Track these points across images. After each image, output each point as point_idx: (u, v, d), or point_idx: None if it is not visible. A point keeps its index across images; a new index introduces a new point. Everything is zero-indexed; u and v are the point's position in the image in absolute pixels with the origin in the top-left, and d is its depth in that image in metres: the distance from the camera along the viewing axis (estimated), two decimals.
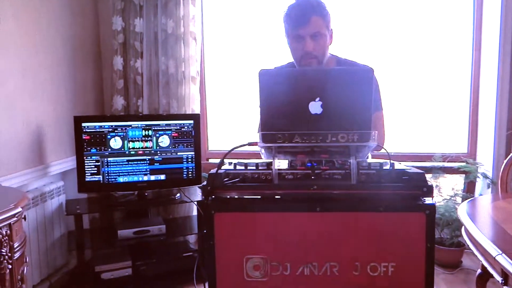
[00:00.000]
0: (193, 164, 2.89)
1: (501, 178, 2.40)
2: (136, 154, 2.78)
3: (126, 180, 2.78)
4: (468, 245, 1.89)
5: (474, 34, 3.21)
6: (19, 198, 1.62)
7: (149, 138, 2.79)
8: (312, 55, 1.70)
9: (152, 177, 2.82)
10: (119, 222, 3.05)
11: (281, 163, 1.36)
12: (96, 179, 2.72)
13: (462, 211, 1.91)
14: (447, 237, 3.04)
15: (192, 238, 3.29)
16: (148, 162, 2.80)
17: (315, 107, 1.23)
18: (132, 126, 2.76)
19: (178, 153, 2.86)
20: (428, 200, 1.21)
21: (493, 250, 1.44)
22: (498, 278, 1.52)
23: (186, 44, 3.13)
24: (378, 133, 1.27)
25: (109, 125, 2.71)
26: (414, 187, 1.21)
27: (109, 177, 2.74)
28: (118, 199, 2.87)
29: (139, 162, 2.79)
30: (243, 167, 1.31)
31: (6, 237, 1.48)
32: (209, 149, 3.56)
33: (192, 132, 2.87)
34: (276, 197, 1.26)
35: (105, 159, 2.72)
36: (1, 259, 1.46)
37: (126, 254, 2.81)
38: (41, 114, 2.59)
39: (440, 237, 3.06)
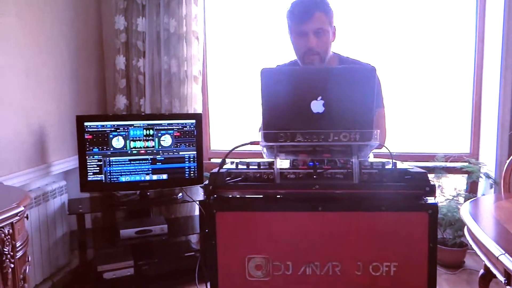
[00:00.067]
0: (195, 164, 2.89)
1: (503, 178, 2.39)
2: (138, 154, 2.78)
3: (128, 180, 2.78)
4: (470, 245, 1.88)
5: (476, 34, 3.20)
6: (21, 197, 1.62)
7: (151, 137, 2.79)
8: (315, 51, 1.70)
9: (154, 177, 2.83)
10: (121, 221, 3.05)
11: (283, 163, 1.36)
12: (98, 178, 2.72)
13: (465, 211, 1.90)
14: (449, 237, 3.04)
15: (194, 238, 3.29)
16: (150, 161, 2.81)
17: (317, 106, 1.23)
18: (134, 125, 2.76)
19: (180, 153, 2.86)
20: (430, 200, 1.20)
21: (496, 250, 1.43)
22: (501, 278, 1.52)
23: (188, 44, 3.13)
24: (380, 130, 1.27)
25: (111, 125, 2.72)
26: (417, 186, 1.21)
27: (111, 176, 2.74)
28: (120, 199, 2.88)
29: (141, 162, 2.79)
30: (245, 167, 1.31)
31: (9, 236, 1.48)
32: (211, 148, 3.56)
33: (194, 132, 2.87)
34: (278, 196, 1.25)
35: (107, 158, 2.72)
36: (4, 258, 1.46)
37: (128, 253, 2.81)
38: (43, 113, 2.60)
39: (442, 237, 3.06)
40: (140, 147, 2.78)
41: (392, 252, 1.21)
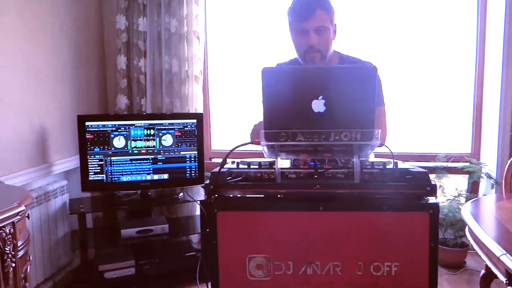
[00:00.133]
0: (196, 164, 2.89)
1: (505, 178, 2.39)
2: (139, 153, 2.79)
3: (129, 179, 2.78)
4: (472, 246, 1.88)
5: (478, 34, 3.20)
6: (22, 197, 1.62)
7: (152, 137, 2.80)
8: (316, 48, 1.70)
9: (155, 177, 2.83)
10: (122, 221, 3.06)
11: (284, 162, 1.36)
12: (100, 178, 2.72)
13: (466, 211, 1.90)
14: (450, 238, 3.03)
15: (195, 238, 3.29)
16: (151, 161, 2.81)
17: (318, 105, 1.23)
18: (135, 125, 2.76)
19: (181, 153, 2.86)
20: (431, 200, 1.20)
21: (497, 250, 1.43)
22: (502, 278, 1.52)
23: (189, 43, 3.14)
24: (380, 128, 1.26)
25: (112, 124, 2.72)
26: (418, 186, 1.21)
27: (113, 176, 2.75)
28: (121, 198, 2.88)
29: (142, 161, 2.79)
30: (246, 166, 1.31)
31: (10, 236, 1.48)
32: (212, 148, 3.56)
33: (195, 132, 2.87)
34: (279, 196, 1.25)
35: (109, 158, 2.73)
36: (5, 258, 1.46)
37: (129, 253, 2.81)
38: (45, 113, 2.60)
39: (443, 238, 3.05)
40: (141, 147, 2.78)
41: (393, 252, 1.21)
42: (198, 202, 2.92)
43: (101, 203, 2.92)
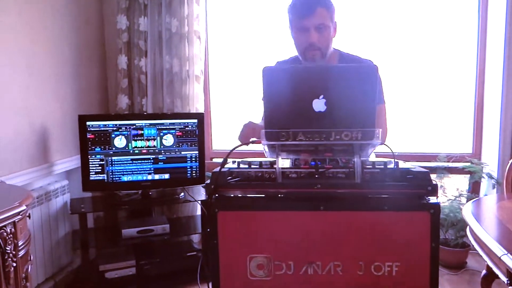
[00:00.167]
0: (197, 163, 2.89)
1: (506, 178, 2.39)
2: (140, 153, 2.79)
3: (130, 179, 2.78)
4: (473, 246, 1.88)
5: (479, 33, 3.19)
6: (23, 196, 1.62)
7: (153, 137, 2.80)
8: (316, 46, 1.70)
9: (156, 176, 2.83)
10: (123, 221, 3.06)
11: (284, 162, 1.36)
12: (101, 178, 2.72)
13: (467, 211, 1.90)
14: (451, 238, 3.03)
15: (196, 238, 3.29)
16: (152, 161, 2.81)
17: (318, 104, 1.23)
18: (136, 125, 2.76)
19: (182, 152, 2.86)
20: (432, 199, 1.20)
21: (498, 250, 1.43)
22: (504, 278, 1.52)
23: (190, 43, 3.14)
24: (381, 127, 1.26)
25: (113, 124, 2.72)
26: (419, 186, 1.21)
27: (114, 176, 2.75)
28: (122, 198, 2.88)
29: (143, 161, 2.80)
30: (246, 166, 1.31)
31: (11, 235, 1.48)
32: (213, 148, 3.56)
33: (196, 131, 2.87)
34: (280, 196, 1.25)
35: (110, 158, 2.73)
36: (6, 257, 1.46)
37: (130, 253, 2.81)
38: (46, 112, 2.60)
39: (444, 238, 3.05)
40: (142, 147, 2.78)
41: (394, 252, 1.21)
42: (199, 202, 2.92)
43: (102, 203, 2.92)
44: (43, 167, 2.54)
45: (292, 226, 1.23)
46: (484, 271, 2.08)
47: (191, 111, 3.16)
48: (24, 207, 1.55)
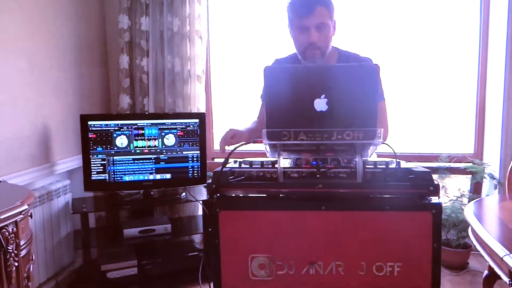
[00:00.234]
0: (199, 163, 2.89)
1: (508, 178, 2.38)
2: (142, 153, 2.79)
3: (132, 179, 2.78)
4: (474, 246, 1.87)
5: (481, 33, 3.19)
6: (25, 196, 1.62)
7: (155, 137, 2.80)
8: (316, 46, 1.69)
9: (158, 176, 2.83)
10: (125, 221, 3.06)
11: (286, 162, 1.36)
12: (102, 177, 2.73)
13: (469, 212, 1.90)
14: (453, 238, 3.02)
15: (197, 238, 3.29)
16: (153, 161, 2.81)
17: (320, 104, 1.22)
18: (138, 124, 2.76)
19: (184, 152, 2.86)
20: (434, 199, 1.20)
21: (500, 250, 1.43)
22: (506, 279, 1.51)
23: (191, 43, 3.14)
24: (382, 124, 1.26)
25: (115, 124, 2.72)
26: (421, 186, 1.20)
27: (115, 175, 2.75)
28: (124, 198, 2.88)
29: (144, 161, 2.80)
30: (248, 166, 1.31)
31: (13, 235, 1.49)
32: (215, 148, 3.56)
33: (197, 131, 2.87)
34: (281, 195, 1.25)
35: (111, 157, 2.73)
36: (8, 257, 1.46)
37: (131, 253, 2.81)
38: (47, 112, 2.60)
39: (446, 238, 3.04)
40: (144, 147, 2.79)
41: (395, 252, 1.21)
42: (201, 202, 2.92)
43: (103, 203, 2.93)
44: (45, 166, 2.55)
45: (293, 226, 1.23)
46: (486, 272, 2.07)
47: (193, 111, 3.16)
48: (26, 207, 1.55)
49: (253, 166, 1.30)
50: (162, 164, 2.83)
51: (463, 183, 3.22)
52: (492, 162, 3.12)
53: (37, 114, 2.50)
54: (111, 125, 2.71)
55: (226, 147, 1.72)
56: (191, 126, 2.86)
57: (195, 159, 2.88)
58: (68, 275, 2.78)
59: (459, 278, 2.87)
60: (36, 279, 2.39)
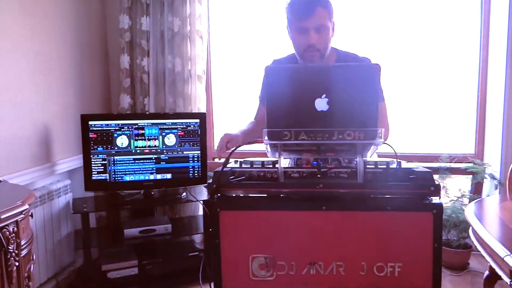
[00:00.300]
0: (199, 163, 2.89)
1: (509, 179, 2.38)
2: (143, 153, 2.79)
3: (133, 179, 2.78)
4: (475, 247, 1.87)
5: (481, 33, 3.18)
6: (26, 196, 1.62)
7: (156, 137, 2.80)
8: (315, 48, 1.69)
9: (159, 176, 2.83)
10: (125, 221, 3.06)
11: (287, 162, 1.36)
12: (103, 177, 2.73)
13: (470, 212, 1.90)
14: (454, 239, 3.02)
15: (198, 238, 3.29)
16: (154, 161, 2.81)
17: (321, 104, 1.22)
18: (139, 124, 2.76)
19: (184, 152, 2.86)
20: (435, 200, 1.20)
21: (501, 251, 1.42)
22: (507, 279, 1.51)
23: (192, 43, 3.14)
24: (382, 124, 1.26)
25: (115, 124, 2.72)
26: (421, 186, 1.20)
27: (116, 175, 2.75)
28: (124, 198, 2.88)
29: (145, 161, 2.80)
30: (248, 166, 1.31)
31: (13, 234, 1.49)
32: (215, 148, 3.55)
33: (198, 131, 2.87)
34: (282, 195, 1.25)
35: (112, 157, 2.73)
36: (8, 256, 1.46)
37: (132, 253, 2.81)
38: (48, 112, 2.61)
39: (447, 239, 3.04)
40: (144, 147, 2.79)
41: (396, 252, 1.21)
42: (201, 202, 2.91)
43: (104, 203, 2.93)
44: (45, 166, 2.55)
45: (294, 226, 1.23)
46: (486, 272, 2.07)
47: (193, 111, 3.16)
48: (26, 206, 1.55)
49: (254, 166, 1.30)
50: (163, 164, 2.83)
51: (463, 183, 3.21)
52: (492, 162, 3.12)
53: (37, 114, 2.50)
54: (112, 125, 2.72)
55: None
56: (191, 126, 2.86)
57: (195, 159, 2.88)
58: (68, 275, 2.78)
59: (460, 278, 2.87)
60: (37, 279, 2.39)
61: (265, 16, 3.37)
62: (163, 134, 2.81)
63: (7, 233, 1.45)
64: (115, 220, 3.18)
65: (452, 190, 3.14)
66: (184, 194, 2.98)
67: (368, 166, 1.25)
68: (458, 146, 3.33)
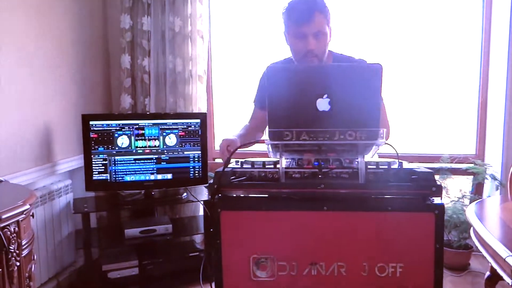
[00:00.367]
0: (200, 164, 2.89)
1: (510, 179, 2.38)
2: (143, 153, 2.79)
3: (133, 179, 2.78)
4: (476, 247, 1.87)
5: (483, 34, 3.18)
6: (27, 196, 1.62)
7: (156, 137, 2.80)
8: (314, 53, 1.68)
9: (159, 176, 2.83)
10: (126, 221, 3.06)
11: (287, 162, 1.35)
12: (104, 177, 2.73)
13: (471, 212, 1.89)
14: (455, 239, 3.02)
15: (198, 238, 3.29)
16: (155, 161, 2.81)
17: (322, 104, 1.22)
18: (139, 124, 2.76)
19: (185, 152, 2.86)
20: (437, 200, 1.19)
21: (503, 251, 1.42)
22: (508, 280, 1.51)
23: (193, 43, 3.14)
24: (383, 124, 1.26)
25: (116, 124, 2.72)
26: (423, 186, 1.20)
27: (116, 175, 2.75)
28: (125, 198, 2.88)
29: (146, 161, 2.80)
30: (249, 166, 1.30)
31: (14, 234, 1.49)
32: (216, 148, 3.55)
33: (199, 131, 2.87)
34: (283, 195, 1.25)
35: (113, 157, 2.73)
36: (9, 256, 1.46)
37: (132, 253, 2.81)
38: (49, 112, 2.61)
39: (448, 239, 3.04)
40: (145, 147, 2.79)
41: (398, 253, 1.21)
42: (202, 202, 2.91)
43: (105, 203, 2.93)
44: (46, 166, 2.55)
45: (295, 227, 1.23)
46: (487, 273, 2.07)
47: (194, 111, 3.16)
48: (27, 206, 1.55)
49: (255, 166, 1.29)
50: (163, 164, 2.83)
51: (464, 184, 3.21)
52: (493, 163, 3.12)
53: (38, 114, 2.50)
54: (113, 125, 2.72)
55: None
56: (192, 126, 2.86)
57: (196, 159, 2.88)
58: (69, 275, 2.78)
59: (461, 279, 2.87)
60: (38, 279, 2.39)
61: (266, 16, 3.37)
62: (164, 134, 2.81)
63: (8, 233, 1.45)
64: (116, 220, 3.18)
65: (453, 191, 3.14)
66: (185, 194, 2.98)
67: (369, 167, 1.24)
68: (459, 146, 3.33)
